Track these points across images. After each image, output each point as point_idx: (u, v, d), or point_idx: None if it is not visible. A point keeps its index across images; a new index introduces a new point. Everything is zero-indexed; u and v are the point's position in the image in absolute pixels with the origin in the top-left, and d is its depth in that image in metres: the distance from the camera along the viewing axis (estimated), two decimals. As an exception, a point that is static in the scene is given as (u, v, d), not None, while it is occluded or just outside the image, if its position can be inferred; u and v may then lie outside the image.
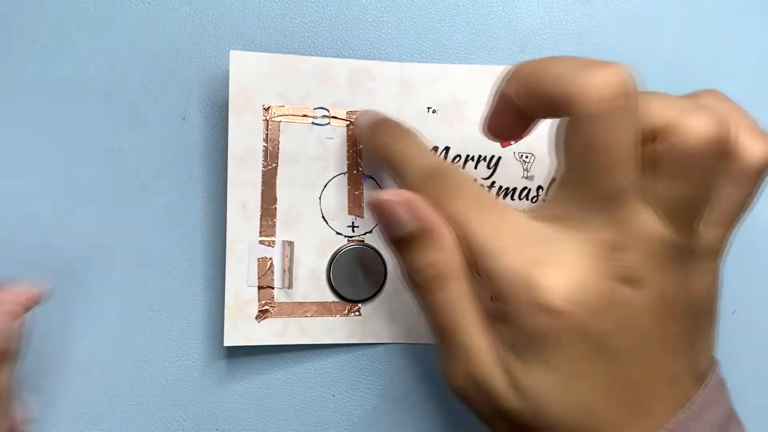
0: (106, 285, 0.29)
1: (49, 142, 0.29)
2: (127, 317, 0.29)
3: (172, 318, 0.30)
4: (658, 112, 0.19)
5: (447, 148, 0.30)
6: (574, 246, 0.19)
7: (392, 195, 0.22)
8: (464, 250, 0.21)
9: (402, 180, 0.24)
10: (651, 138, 0.19)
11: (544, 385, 0.19)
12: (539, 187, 0.30)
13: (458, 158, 0.30)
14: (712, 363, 0.22)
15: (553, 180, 0.21)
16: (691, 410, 0.20)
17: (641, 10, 0.32)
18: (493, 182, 0.30)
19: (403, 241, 0.22)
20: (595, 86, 0.18)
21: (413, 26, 0.31)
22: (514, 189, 0.30)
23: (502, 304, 0.20)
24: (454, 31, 0.31)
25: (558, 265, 0.19)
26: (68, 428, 0.29)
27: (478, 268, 0.21)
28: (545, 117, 0.21)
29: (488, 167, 0.30)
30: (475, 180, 0.30)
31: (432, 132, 0.30)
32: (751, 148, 0.20)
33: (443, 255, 0.21)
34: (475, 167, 0.30)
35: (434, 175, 0.22)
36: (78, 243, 0.29)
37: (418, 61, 0.30)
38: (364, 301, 0.30)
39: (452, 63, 0.30)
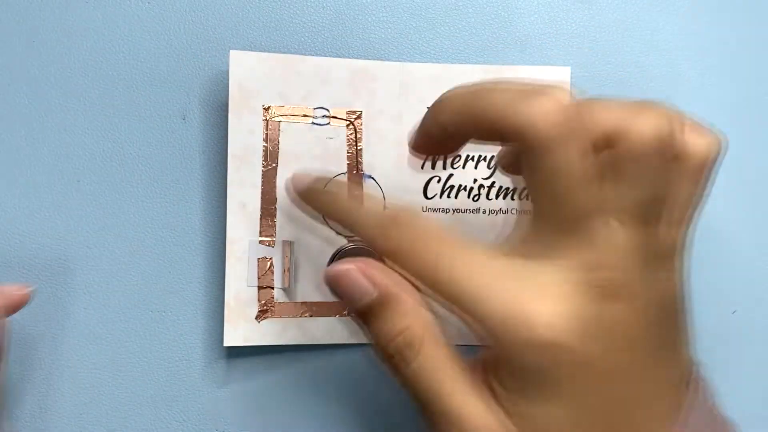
0: (106, 285, 0.29)
1: (49, 141, 0.29)
2: (127, 317, 0.29)
3: (172, 318, 0.30)
4: (607, 118, 0.19)
5: (447, 148, 0.30)
6: (554, 276, 0.19)
7: (344, 265, 0.21)
8: (439, 298, 0.20)
9: (357, 235, 0.22)
10: (604, 144, 0.19)
11: (552, 420, 0.19)
12: (539, 187, 0.30)
13: (458, 158, 0.30)
14: (693, 363, 0.22)
15: (516, 189, 0.21)
16: (680, 416, 0.20)
17: (641, 10, 0.32)
18: (493, 182, 0.30)
19: (366, 312, 0.21)
20: (537, 116, 0.18)
21: (413, 26, 0.31)
22: (514, 189, 0.30)
23: (494, 349, 0.20)
24: (454, 31, 0.31)
25: (544, 298, 0.19)
26: (68, 428, 0.29)
27: (460, 316, 0.20)
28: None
29: (488, 167, 0.30)
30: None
31: (432, 132, 0.30)
32: (695, 143, 0.20)
33: (410, 319, 0.21)
34: (475, 167, 0.30)
35: (391, 226, 0.21)
36: (77, 243, 0.29)
37: (418, 61, 0.30)
38: (364, 301, 0.30)
39: (452, 63, 0.30)
